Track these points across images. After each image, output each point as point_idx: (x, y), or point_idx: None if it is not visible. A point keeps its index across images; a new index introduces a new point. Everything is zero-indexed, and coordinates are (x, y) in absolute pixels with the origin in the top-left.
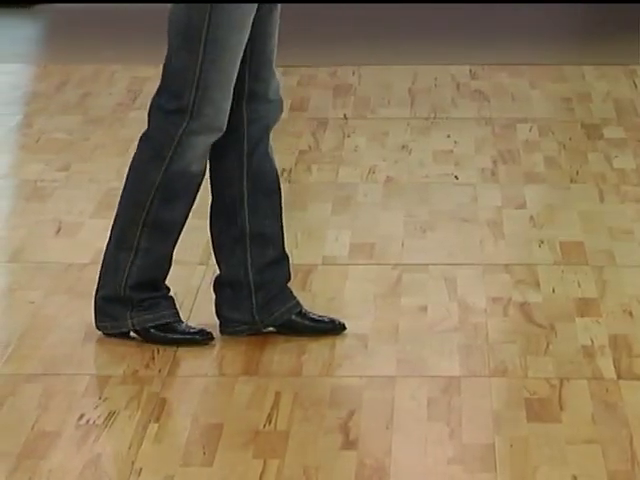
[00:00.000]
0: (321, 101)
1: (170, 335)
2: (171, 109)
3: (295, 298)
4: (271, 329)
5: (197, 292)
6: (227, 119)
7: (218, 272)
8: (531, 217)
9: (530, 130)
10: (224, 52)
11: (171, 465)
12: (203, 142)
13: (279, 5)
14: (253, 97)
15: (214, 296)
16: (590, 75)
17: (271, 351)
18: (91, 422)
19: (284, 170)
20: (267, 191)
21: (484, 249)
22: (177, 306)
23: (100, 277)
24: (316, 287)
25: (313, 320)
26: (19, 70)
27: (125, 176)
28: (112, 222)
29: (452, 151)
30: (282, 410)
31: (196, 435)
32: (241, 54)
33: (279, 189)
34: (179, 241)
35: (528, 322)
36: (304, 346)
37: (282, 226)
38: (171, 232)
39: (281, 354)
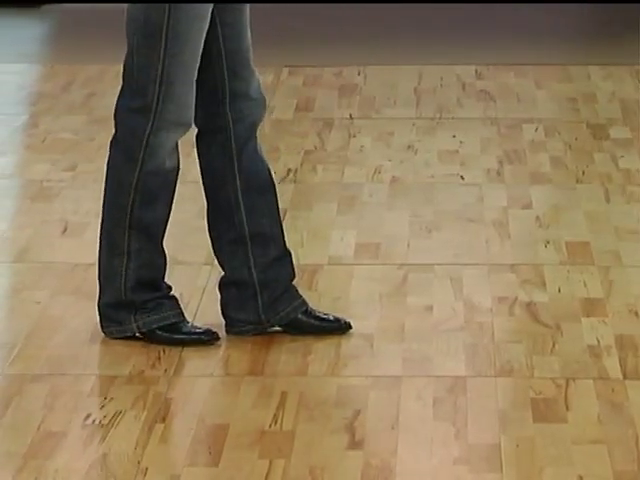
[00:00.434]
0: (326, 101)
1: (176, 335)
2: (135, 107)
3: (301, 297)
4: (277, 328)
5: (203, 292)
6: (192, 113)
7: (222, 274)
8: (537, 217)
9: (536, 130)
10: (185, 46)
11: (177, 465)
12: (172, 139)
13: (248, 5)
14: (235, 97)
15: (219, 296)
16: (596, 75)
17: (277, 351)
18: (97, 422)
19: (289, 170)
20: (261, 190)
21: (490, 249)
22: (181, 306)
23: (100, 284)
24: (322, 287)
25: (319, 319)
26: (25, 70)
27: (104, 181)
28: (99, 228)
29: (458, 151)
30: (288, 410)
31: (202, 435)
32: (201, 46)
33: (273, 187)
34: (184, 242)
35: (534, 322)
36: (310, 346)
37: (281, 223)
38: (157, 230)
39: (287, 354)
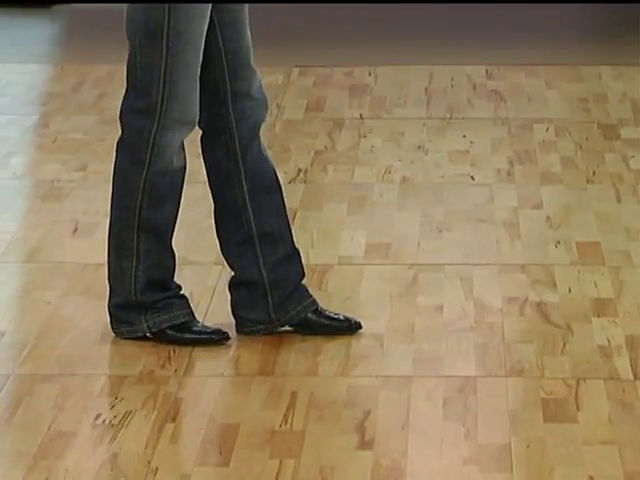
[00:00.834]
0: (337, 101)
1: (186, 335)
2: (140, 108)
3: (311, 296)
4: (287, 328)
5: (213, 292)
6: (197, 111)
7: (232, 274)
8: (547, 217)
9: (546, 130)
10: (187, 44)
11: (187, 465)
12: (178, 138)
13: (246, 5)
14: (237, 97)
15: (229, 297)
16: (607, 75)
17: (287, 351)
18: (107, 422)
19: (300, 170)
20: (267, 189)
21: (500, 249)
22: (191, 305)
23: (110, 285)
24: (332, 287)
25: (329, 318)
26: (35, 70)
27: (111, 183)
28: (107, 230)
29: (468, 151)
30: (298, 410)
31: (212, 435)
32: (203, 44)
33: (279, 186)
34: (194, 242)
35: (544, 322)
36: (320, 346)
37: (289, 222)
38: (166, 231)
39: (297, 354)
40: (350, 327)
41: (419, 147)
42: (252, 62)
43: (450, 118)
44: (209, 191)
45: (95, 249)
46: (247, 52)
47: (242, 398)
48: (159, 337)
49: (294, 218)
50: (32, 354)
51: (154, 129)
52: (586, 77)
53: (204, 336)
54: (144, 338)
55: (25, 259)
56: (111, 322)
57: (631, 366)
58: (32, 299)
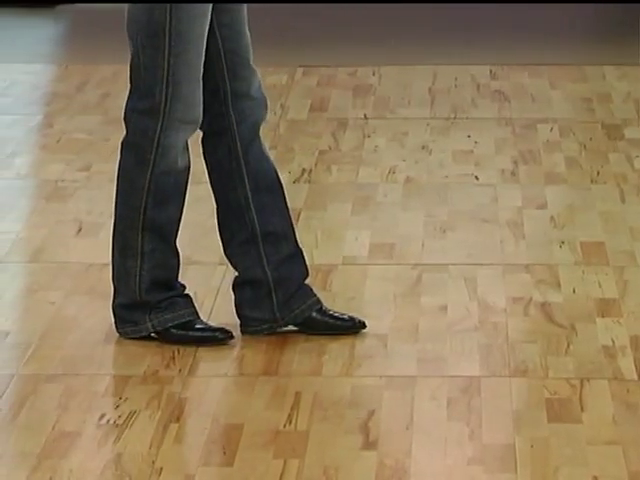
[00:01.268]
0: (341, 101)
1: (191, 333)
2: (144, 109)
3: (315, 295)
4: (290, 328)
5: (217, 292)
6: (201, 110)
7: (236, 275)
8: (552, 217)
9: (551, 130)
10: (189, 44)
11: (191, 465)
12: (182, 138)
13: (244, 5)
14: (236, 97)
15: (233, 297)
16: (611, 75)
17: (291, 351)
18: (111, 422)
19: (304, 170)
20: (270, 189)
21: (504, 249)
22: (195, 304)
23: (114, 285)
24: (336, 287)
25: (333, 317)
26: (40, 70)
27: (115, 184)
28: (112, 230)
29: (472, 151)
30: (302, 410)
31: (216, 435)
32: (204, 43)
33: (281, 185)
34: (198, 242)
35: (548, 322)
36: (324, 346)
37: (291, 221)
38: (170, 231)
39: (301, 354)
40: (354, 326)
41: (423, 147)
42: (251, 62)
43: (454, 118)
44: (211, 192)
45: (99, 249)
46: (246, 52)
47: (246, 398)
48: (163, 336)
49: (298, 218)
50: (36, 354)
51: (158, 129)
52: (590, 77)
53: (208, 334)
54: (148, 338)
55: (29, 259)
56: (115, 322)
57: (635, 366)
58: (36, 299)
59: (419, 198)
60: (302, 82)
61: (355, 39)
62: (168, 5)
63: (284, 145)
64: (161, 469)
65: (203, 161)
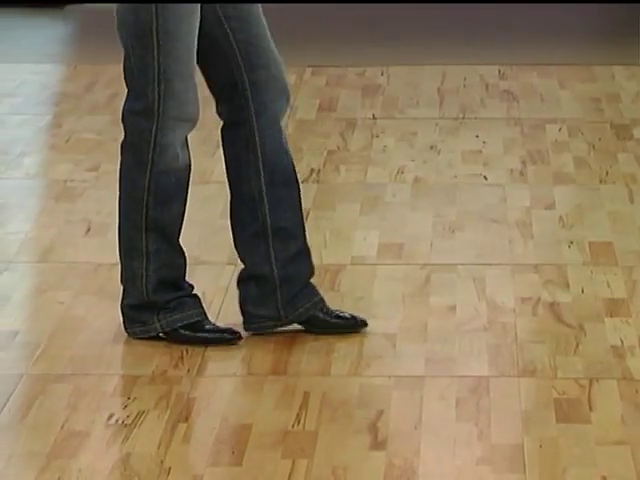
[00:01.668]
0: (350, 101)
1: (199, 334)
2: (139, 109)
3: (319, 294)
4: (296, 327)
5: (226, 292)
6: (196, 107)
7: (242, 268)
8: (560, 217)
9: (559, 130)
10: (177, 42)
11: (200, 465)
12: (178, 136)
13: None
14: (255, 88)
15: (238, 292)
16: (620, 75)
17: (300, 351)
18: (120, 422)
19: (312, 170)
20: (286, 184)
21: (513, 249)
22: (203, 304)
23: (122, 286)
24: (344, 287)
25: (336, 316)
26: (49, 70)
27: (117, 185)
28: (117, 232)
29: (481, 151)
30: (310, 410)
31: (225, 435)
32: (195, 40)
33: (297, 181)
34: (207, 242)
35: (557, 322)
36: (332, 346)
37: (302, 218)
38: (173, 230)
39: (309, 354)
40: (356, 324)
41: (432, 147)
42: (271, 49)
43: (463, 118)
44: (226, 188)
45: (108, 249)
46: (261, 40)
47: (254, 398)
48: (172, 336)
49: (307, 218)
50: (45, 354)
51: (154, 129)
52: (599, 77)
53: (216, 335)
54: (157, 338)
55: (38, 259)
56: (124, 322)
57: None
58: (45, 299)
59: (428, 198)
60: (311, 82)
61: (364, 39)
62: (153, 5)
63: (293, 145)
64: (170, 469)
65: (213, 160)
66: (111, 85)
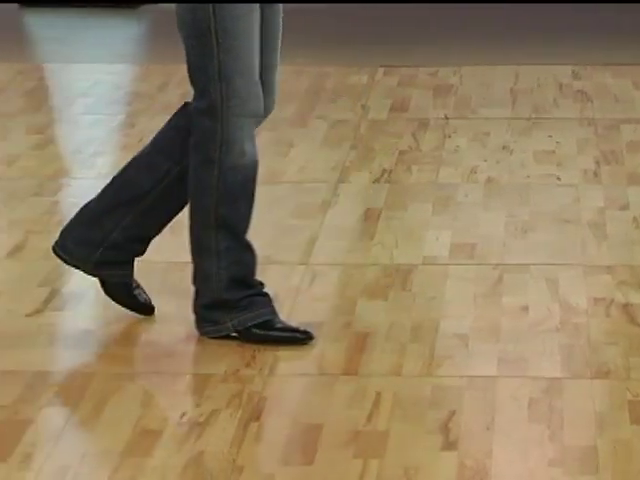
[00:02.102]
0: (422, 101)
1: (271, 333)
2: (204, 108)
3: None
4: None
5: (297, 292)
6: (260, 103)
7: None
8: (634, 218)
9: (634, 131)
10: (236, 40)
11: (271, 464)
12: (244, 132)
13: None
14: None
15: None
16: None
17: (371, 351)
18: (193, 420)
19: (384, 170)
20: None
21: (586, 250)
22: (273, 303)
23: (195, 287)
24: (416, 287)
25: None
26: (121, 70)
27: (187, 185)
28: (188, 232)
29: (554, 152)
30: (382, 410)
31: (296, 434)
32: (256, 38)
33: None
34: (278, 242)
35: (630, 323)
36: (404, 346)
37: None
38: (242, 227)
39: (381, 354)
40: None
41: (504, 147)
42: (268, 58)
43: (535, 118)
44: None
45: (181, 248)
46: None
47: (326, 397)
48: (244, 335)
49: (378, 218)
50: (118, 353)
51: (219, 127)
52: None
53: (288, 334)
54: (229, 337)
55: None
56: (196, 322)
57: None
58: None
59: (500, 198)
60: (383, 82)
61: (436, 39)
62: (211, 4)
63: (365, 145)
64: (242, 468)
65: (283, 160)
66: (183, 85)
